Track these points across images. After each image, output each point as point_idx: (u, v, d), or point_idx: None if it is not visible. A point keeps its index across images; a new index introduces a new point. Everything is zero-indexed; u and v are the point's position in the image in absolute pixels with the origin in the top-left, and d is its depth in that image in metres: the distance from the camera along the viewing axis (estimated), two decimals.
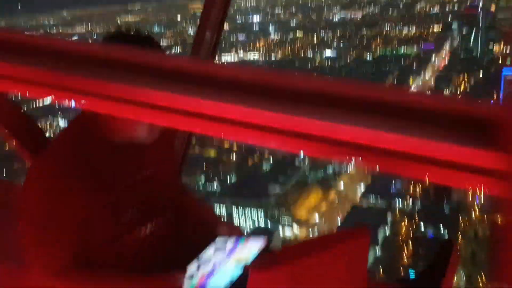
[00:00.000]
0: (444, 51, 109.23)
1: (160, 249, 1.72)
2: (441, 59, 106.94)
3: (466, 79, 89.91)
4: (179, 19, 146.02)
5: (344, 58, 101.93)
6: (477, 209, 55.35)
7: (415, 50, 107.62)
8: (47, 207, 1.49)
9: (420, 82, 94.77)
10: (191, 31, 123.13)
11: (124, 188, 1.62)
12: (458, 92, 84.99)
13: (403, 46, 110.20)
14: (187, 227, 1.89)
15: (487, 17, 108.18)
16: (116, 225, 1.61)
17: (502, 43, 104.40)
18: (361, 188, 59.40)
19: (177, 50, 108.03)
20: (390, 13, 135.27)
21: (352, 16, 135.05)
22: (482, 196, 55.48)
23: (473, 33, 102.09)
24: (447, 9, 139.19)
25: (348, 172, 63.84)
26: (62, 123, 69.96)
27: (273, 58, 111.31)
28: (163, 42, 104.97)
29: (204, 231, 1.86)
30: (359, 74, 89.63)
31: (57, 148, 1.62)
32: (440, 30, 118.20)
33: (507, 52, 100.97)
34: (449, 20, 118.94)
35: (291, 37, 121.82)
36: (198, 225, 1.91)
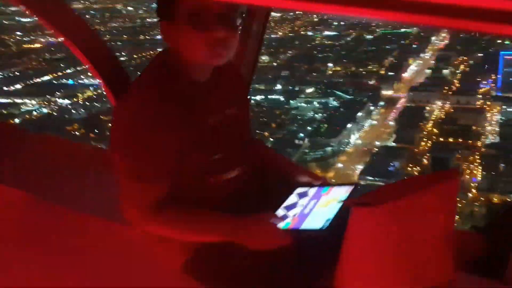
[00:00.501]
0: (444, 30, 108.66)
1: (244, 196, 1.76)
2: (441, 38, 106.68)
3: (465, 58, 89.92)
4: None
5: (344, 37, 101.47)
6: (474, 189, 56.11)
7: (415, 28, 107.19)
8: (141, 140, 1.48)
9: (420, 61, 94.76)
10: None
11: (211, 126, 1.65)
12: (458, 71, 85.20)
13: (403, 26, 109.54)
14: (267, 175, 1.93)
15: None
16: (207, 163, 1.65)
17: None
18: (360, 167, 59.96)
19: None
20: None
21: None
22: (479, 176, 56.23)
23: None
24: None
25: (347, 151, 64.40)
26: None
27: (273, 36, 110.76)
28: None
29: (283, 180, 1.91)
30: (359, 53, 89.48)
31: (143, 85, 1.61)
32: None
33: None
34: None
35: (291, 14, 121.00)
36: (277, 173, 1.95)
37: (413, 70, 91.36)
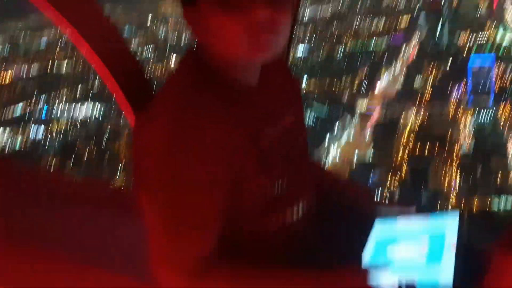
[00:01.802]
0: (413, 43, 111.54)
1: (311, 240, 1.37)
2: (410, 50, 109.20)
3: (435, 70, 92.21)
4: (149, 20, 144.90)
5: (316, 54, 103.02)
6: (453, 196, 57.10)
7: (385, 42, 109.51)
8: (184, 174, 1.04)
9: (391, 74, 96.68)
10: (162, 31, 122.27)
11: (268, 143, 1.21)
12: (428, 83, 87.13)
13: (373, 39, 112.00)
14: (335, 208, 1.54)
15: (451, 8, 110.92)
16: (268, 196, 1.22)
17: (467, 33, 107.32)
18: None
19: (148, 50, 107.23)
20: (359, 7, 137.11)
21: (322, 12, 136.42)
22: (458, 183, 57.31)
23: (440, 24, 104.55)
24: (413, 2, 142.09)
25: (329, 164, 64.85)
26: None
27: None
28: (134, 44, 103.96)
29: (357, 213, 1.53)
30: (332, 69, 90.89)
31: (174, 95, 1.14)
32: (408, 22, 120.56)
33: (472, 42, 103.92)
34: (416, 12, 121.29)
35: None
36: (347, 204, 1.56)
37: (385, 82, 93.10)
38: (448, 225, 1.36)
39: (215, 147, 1.06)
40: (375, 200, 1.54)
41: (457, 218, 1.37)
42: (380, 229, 1.42)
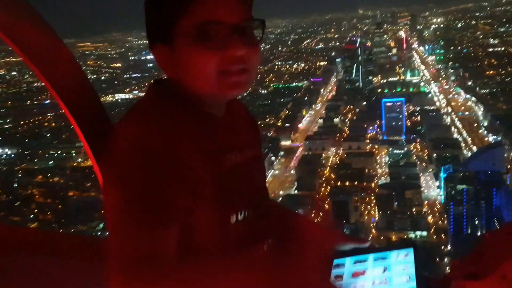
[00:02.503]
0: (331, 83, 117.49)
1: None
2: (329, 90, 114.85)
3: (352, 107, 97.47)
4: None
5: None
6: (373, 228, 59.55)
7: (305, 83, 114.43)
8: (148, 172, 1.03)
9: (312, 112, 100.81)
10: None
11: (231, 169, 1.20)
12: (347, 119, 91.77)
13: (295, 80, 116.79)
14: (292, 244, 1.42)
15: (365, 51, 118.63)
16: (231, 227, 1.17)
17: (380, 76, 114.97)
18: None
19: None
20: (279, 49, 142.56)
21: None
22: (377, 216, 59.95)
23: (355, 66, 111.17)
24: (330, 45, 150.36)
25: None
26: None
27: None
28: None
29: (314, 249, 1.40)
30: (255, 107, 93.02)
31: (140, 113, 1.14)
32: (325, 64, 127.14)
33: (384, 82, 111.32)
34: (333, 54, 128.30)
35: None
36: (305, 240, 1.41)
37: (307, 120, 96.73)
38: (404, 259, 1.38)
39: (177, 163, 1.05)
40: (334, 236, 1.51)
41: (413, 251, 1.38)
42: (339, 266, 1.43)
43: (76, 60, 1.69)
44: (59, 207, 59.80)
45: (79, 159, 76.29)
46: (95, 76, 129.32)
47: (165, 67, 1.16)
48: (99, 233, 54.08)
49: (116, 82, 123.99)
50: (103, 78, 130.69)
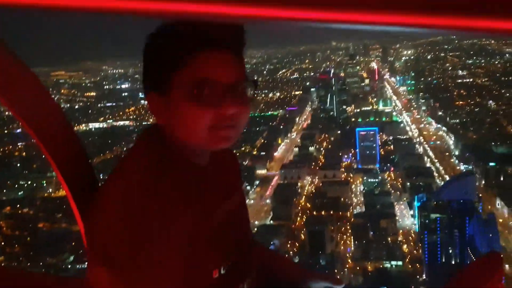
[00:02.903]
0: (306, 112, 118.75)
1: None
2: (304, 119, 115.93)
3: (327, 136, 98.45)
4: None
5: None
6: (349, 259, 59.34)
7: (281, 112, 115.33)
8: (144, 243, 1.03)
9: (288, 140, 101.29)
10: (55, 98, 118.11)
11: (217, 222, 1.24)
12: (322, 148, 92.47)
13: (270, 109, 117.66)
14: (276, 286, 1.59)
15: (339, 81, 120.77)
16: (214, 280, 1.20)
17: (353, 104, 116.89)
18: None
19: None
20: (255, 79, 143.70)
21: None
22: (352, 246, 59.81)
23: (329, 96, 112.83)
24: (305, 75, 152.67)
25: None
26: None
27: (145, 123, 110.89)
28: None
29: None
30: None
31: (133, 169, 1.17)
32: (300, 93, 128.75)
33: (357, 111, 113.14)
34: (308, 84, 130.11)
35: None
36: (287, 282, 1.61)
37: (282, 149, 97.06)
38: None
39: (169, 226, 1.07)
40: (311, 276, 1.60)
41: None
42: None
43: (44, 87, 1.57)
44: (28, 239, 57.94)
45: (50, 189, 74.50)
46: (68, 105, 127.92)
47: (157, 115, 1.19)
48: (69, 265, 52.58)
49: (90, 111, 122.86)
50: (76, 107, 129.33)
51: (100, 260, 1.04)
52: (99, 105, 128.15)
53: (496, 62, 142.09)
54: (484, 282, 1.25)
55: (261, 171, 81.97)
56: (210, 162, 1.29)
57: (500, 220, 59.02)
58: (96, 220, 1.09)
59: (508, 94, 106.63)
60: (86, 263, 1.11)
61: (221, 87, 1.11)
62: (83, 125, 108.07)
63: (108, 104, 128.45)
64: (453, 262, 54.18)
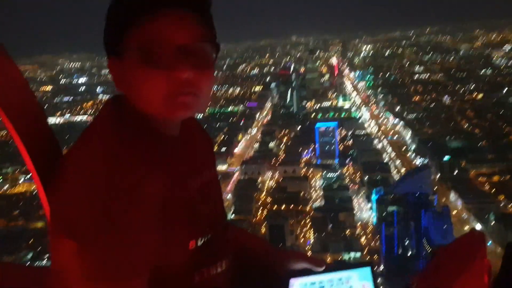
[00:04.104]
0: (266, 108, 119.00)
1: None
2: (264, 114, 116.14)
3: (287, 132, 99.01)
4: None
5: None
6: (309, 250, 59.96)
7: (241, 107, 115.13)
8: (110, 215, 0.95)
9: (248, 136, 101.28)
10: None
11: (192, 194, 1.18)
12: (282, 144, 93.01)
13: (230, 105, 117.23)
14: (253, 266, 1.51)
15: (299, 77, 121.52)
16: (193, 251, 1.15)
17: (313, 100, 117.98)
18: None
19: None
20: (215, 74, 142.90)
21: None
22: (312, 239, 60.54)
23: (289, 92, 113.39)
24: (265, 71, 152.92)
25: None
26: None
27: None
28: None
29: (273, 271, 1.50)
30: None
31: (95, 139, 1.08)
32: (261, 89, 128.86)
33: (317, 107, 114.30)
34: (268, 80, 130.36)
35: None
36: (264, 262, 1.53)
37: (243, 145, 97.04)
38: (362, 277, 1.38)
39: (139, 193, 0.99)
40: (291, 255, 1.52)
41: (370, 270, 1.39)
42: (297, 286, 1.41)
43: (23, 77, 1.50)
44: None
45: (6, 186, 72.10)
46: None
47: (116, 82, 1.11)
48: (28, 263, 51.12)
49: (46, 106, 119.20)
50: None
51: (64, 233, 0.97)
52: (55, 100, 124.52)
53: (451, 59, 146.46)
54: (471, 259, 1.27)
55: (222, 167, 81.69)
56: (182, 134, 1.21)
57: (454, 213, 60.83)
58: (59, 191, 1.02)
59: (462, 90, 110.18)
60: (49, 238, 1.04)
61: (173, 49, 1.02)
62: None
63: (65, 99, 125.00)
64: (409, 253, 55.58)
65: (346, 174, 79.64)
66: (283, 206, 66.88)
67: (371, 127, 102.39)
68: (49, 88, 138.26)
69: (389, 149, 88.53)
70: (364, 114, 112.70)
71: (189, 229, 1.14)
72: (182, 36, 1.03)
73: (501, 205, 61.06)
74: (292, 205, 66.90)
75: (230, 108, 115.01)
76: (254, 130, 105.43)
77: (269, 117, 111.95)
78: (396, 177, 71.67)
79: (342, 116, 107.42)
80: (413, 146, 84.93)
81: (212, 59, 1.10)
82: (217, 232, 1.24)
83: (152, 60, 1.02)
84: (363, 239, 61.85)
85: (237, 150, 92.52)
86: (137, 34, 1.03)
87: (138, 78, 1.04)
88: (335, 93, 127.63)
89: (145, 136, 1.10)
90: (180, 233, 1.11)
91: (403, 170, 76.56)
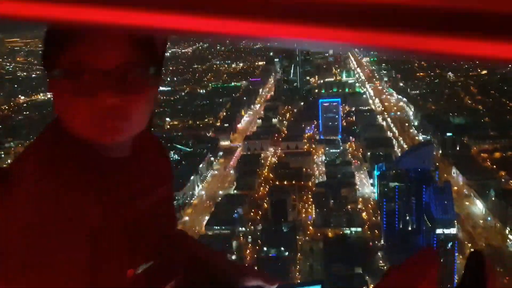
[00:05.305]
0: (269, 83, 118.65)
1: None
2: (267, 90, 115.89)
3: (290, 107, 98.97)
4: None
5: (178, 92, 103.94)
6: (311, 226, 60.74)
7: (244, 82, 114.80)
8: (43, 247, 0.93)
9: (251, 112, 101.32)
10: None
11: (137, 218, 1.14)
12: (285, 119, 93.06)
13: (233, 80, 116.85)
14: (205, 282, 1.50)
15: (302, 52, 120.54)
16: (135, 278, 1.11)
17: (317, 76, 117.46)
18: (206, 218, 60.84)
19: None
20: (218, 48, 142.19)
21: (183, 50, 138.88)
22: (314, 214, 61.18)
23: (292, 66, 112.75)
24: (268, 44, 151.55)
25: (192, 203, 65.06)
26: None
27: None
28: None
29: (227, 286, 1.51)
30: (194, 107, 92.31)
31: (31, 164, 1.05)
32: (264, 63, 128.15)
33: (321, 82, 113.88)
34: (271, 54, 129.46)
35: None
36: (217, 276, 1.53)
37: (246, 120, 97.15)
38: None
39: (77, 217, 0.97)
40: (245, 273, 1.54)
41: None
42: None
43: None
44: None
45: (8, 161, 72.59)
46: (25, 73, 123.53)
47: (54, 104, 1.05)
48: None
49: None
50: (34, 75, 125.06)
51: None
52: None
53: None
54: (420, 281, 1.18)
55: (225, 143, 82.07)
56: (135, 154, 1.15)
57: (455, 188, 61.27)
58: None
59: (466, 66, 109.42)
60: None
61: (98, 74, 0.96)
62: (41, 94, 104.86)
63: None
64: (409, 228, 56.24)
65: (349, 150, 79.91)
66: (286, 182, 67.38)
67: (375, 103, 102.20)
68: None
69: (392, 125, 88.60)
70: (368, 90, 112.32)
71: (127, 257, 1.08)
72: (108, 61, 0.97)
73: (502, 181, 61.41)
74: (295, 181, 67.38)
75: (233, 83, 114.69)
76: (257, 106, 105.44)
77: (272, 92, 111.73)
78: (399, 153, 71.91)
79: (346, 91, 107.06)
80: (416, 122, 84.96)
81: (144, 81, 1.02)
82: (164, 257, 1.19)
83: (77, 86, 0.97)
84: (364, 214, 62.55)
85: (240, 126, 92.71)
86: (67, 57, 0.98)
87: (65, 103, 1.00)
88: (339, 69, 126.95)
89: (80, 161, 1.05)
90: (115, 263, 1.06)
91: (405, 146, 76.78)
